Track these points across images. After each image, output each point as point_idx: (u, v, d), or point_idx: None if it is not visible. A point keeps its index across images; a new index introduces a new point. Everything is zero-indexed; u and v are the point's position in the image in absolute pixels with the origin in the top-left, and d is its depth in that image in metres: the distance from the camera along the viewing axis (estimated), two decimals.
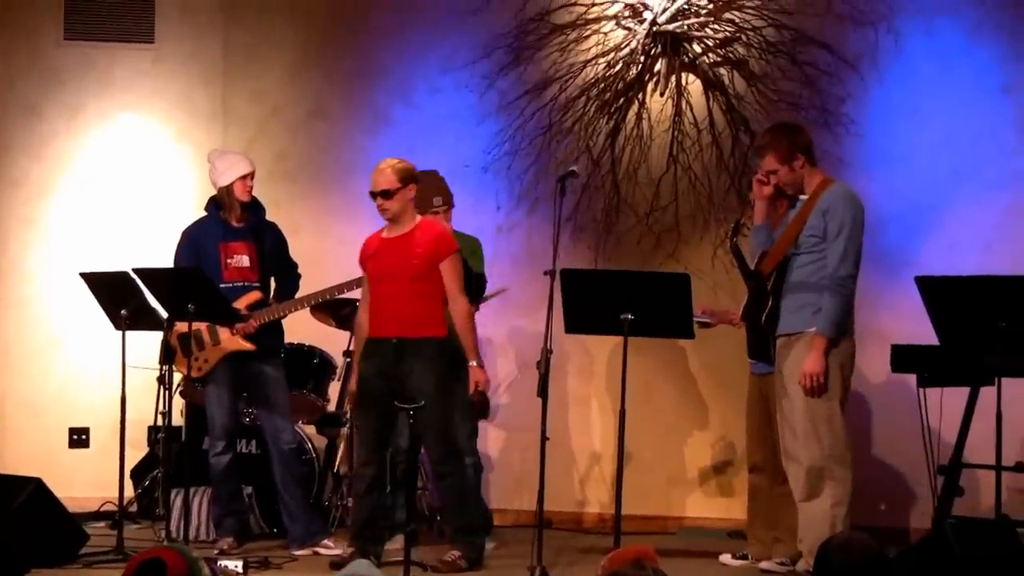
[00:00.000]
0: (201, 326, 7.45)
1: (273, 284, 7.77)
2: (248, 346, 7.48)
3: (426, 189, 7.60)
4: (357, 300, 7.60)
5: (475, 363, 6.98)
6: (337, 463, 8.20)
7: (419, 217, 7.10)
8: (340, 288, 7.53)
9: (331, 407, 8.40)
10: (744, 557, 7.28)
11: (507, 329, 8.96)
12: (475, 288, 7.66)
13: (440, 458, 7.06)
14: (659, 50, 8.75)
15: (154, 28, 9.35)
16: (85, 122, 9.38)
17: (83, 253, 9.08)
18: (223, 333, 7.50)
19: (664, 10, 8.66)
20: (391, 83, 9.24)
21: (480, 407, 7.24)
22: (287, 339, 7.93)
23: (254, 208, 7.70)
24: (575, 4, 8.92)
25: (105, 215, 9.34)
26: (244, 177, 7.59)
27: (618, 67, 8.84)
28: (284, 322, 7.71)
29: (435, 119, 9.10)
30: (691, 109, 8.78)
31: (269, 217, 7.80)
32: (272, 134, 9.34)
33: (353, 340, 7.29)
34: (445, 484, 7.18)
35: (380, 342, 6.97)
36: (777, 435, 6.69)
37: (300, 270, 7.90)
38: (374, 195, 6.96)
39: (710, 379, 8.82)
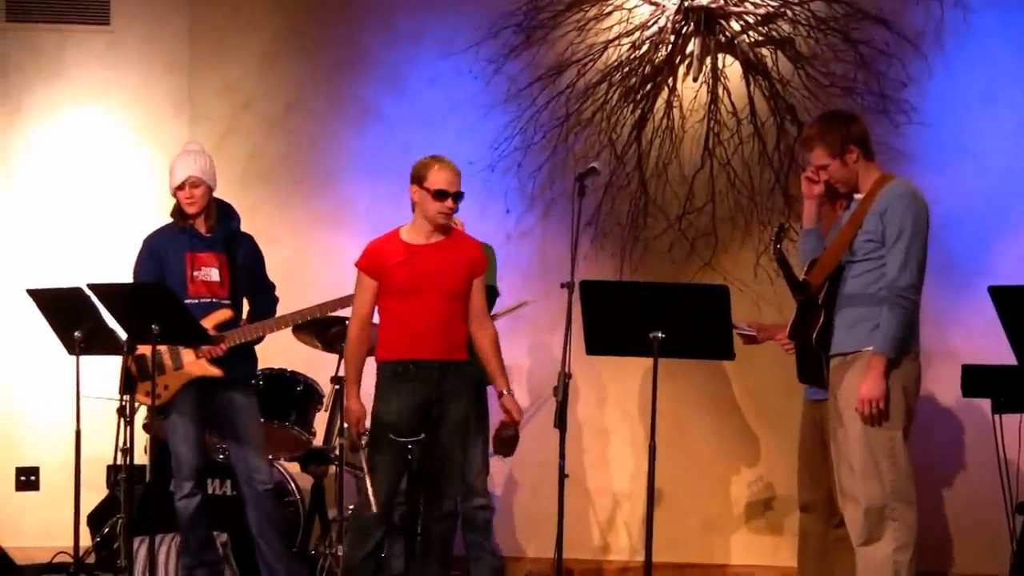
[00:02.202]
0: (161, 347, 7.40)
1: (246, 306, 7.73)
2: (215, 372, 7.45)
3: None
4: (347, 320, 7.62)
5: (507, 391, 7.00)
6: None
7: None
8: (332, 305, 7.48)
9: (317, 441, 8.40)
10: None
11: (519, 350, 8.95)
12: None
13: (451, 498, 7.06)
14: (691, 28, 8.78)
15: (109, 8, 9.38)
16: (31, 116, 9.41)
17: (31, 267, 9.11)
18: (186, 356, 7.46)
19: None
20: (381, 70, 9.25)
21: (511, 442, 7.29)
22: (266, 363, 7.94)
23: (226, 216, 7.66)
24: None
25: (55, 223, 9.36)
26: (181, 187, 7.54)
27: (645, 48, 8.86)
28: (263, 344, 7.68)
29: (432, 111, 9.11)
30: (729, 96, 8.81)
31: (243, 225, 7.76)
32: (245, 130, 9.35)
33: (346, 362, 7.06)
34: (445, 528, 7.07)
35: (420, 365, 6.91)
36: (832, 470, 6.69)
37: (279, 285, 7.86)
38: (446, 195, 6.90)
39: (753, 407, 8.84)
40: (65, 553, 8.08)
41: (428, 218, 6.92)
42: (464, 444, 7.01)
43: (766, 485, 8.82)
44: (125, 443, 7.74)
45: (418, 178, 6.91)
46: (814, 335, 6.59)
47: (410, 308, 6.91)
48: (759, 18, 8.76)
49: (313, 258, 9.05)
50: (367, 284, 6.96)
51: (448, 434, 6.89)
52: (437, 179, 6.87)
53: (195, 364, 7.46)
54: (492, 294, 7.69)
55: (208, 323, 7.39)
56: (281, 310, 7.75)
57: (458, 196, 6.91)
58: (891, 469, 6.34)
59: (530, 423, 8.83)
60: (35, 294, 7.46)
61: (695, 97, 8.86)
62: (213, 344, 7.35)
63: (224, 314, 7.50)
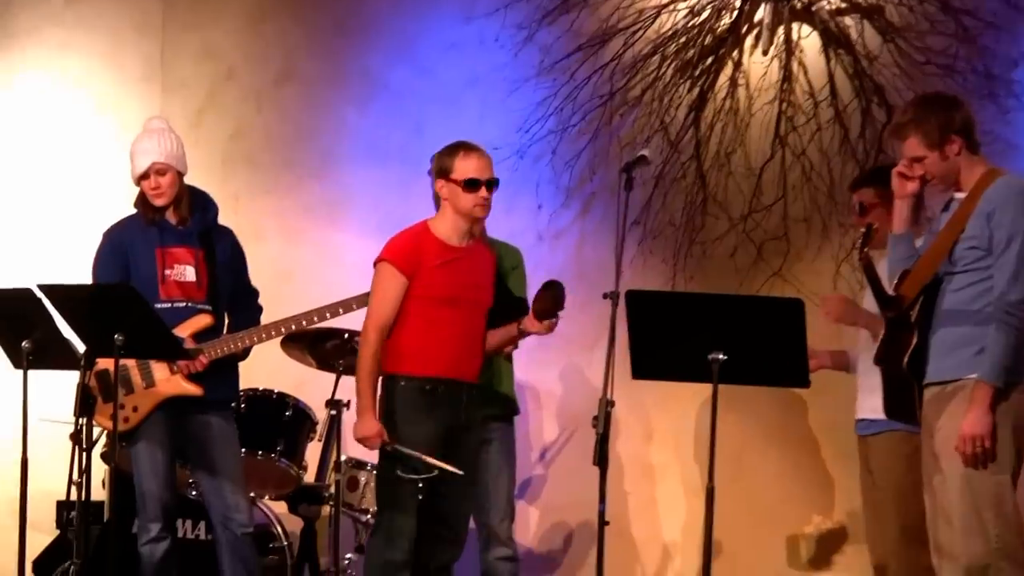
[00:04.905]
0: (129, 362, 7.38)
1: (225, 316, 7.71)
2: (194, 390, 7.42)
3: None
4: (347, 332, 7.63)
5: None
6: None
7: None
8: (330, 310, 7.46)
9: (309, 478, 8.39)
10: None
11: (549, 373, 9.01)
12: (516, 317, 7.64)
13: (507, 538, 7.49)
14: None
15: None
16: None
17: None
18: (158, 372, 7.44)
19: None
20: (389, 37, 9.30)
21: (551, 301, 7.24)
22: (249, 383, 7.95)
23: (201, 206, 7.63)
24: None
25: (2, 211, 9.40)
26: (145, 175, 7.49)
27: (705, 14, 8.92)
28: (244, 360, 7.67)
29: (451, 85, 9.17)
30: (805, 73, 8.86)
31: (223, 217, 7.75)
32: (227, 104, 9.41)
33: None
34: None
35: (451, 386, 7.00)
36: (901, 517, 6.66)
37: (265, 289, 7.85)
38: (480, 183, 6.98)
39: (830, 445, 8.85)
40: None
41: (463, 214, 6.99)
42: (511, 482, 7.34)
43: (842, 536, 8.83)
44: (79, 475, 7.71)
45: (442, 170, 6.98)
46: (905, 360, 6.56)
47: (445, 319, 6.99)
48: None
49: (306, 256, 9.07)
50: (400, 282, 6.95)
51: (471, 467, 7.01)
52: (465, 167, 6.93)
53: (169, 381, 7.44)
54: (522, 307, 7.63)
55: (183, 332, 7.37)
56: (268, 317, 7.71)
57: (492, 184, 7.00)
58: (997, 521, 6.30)
59: (563, 460, 8.86)
60: None
61: (764, 74, 8.91)
62: (189, 358, 7.32)
63: (202, 320, 7.48)
